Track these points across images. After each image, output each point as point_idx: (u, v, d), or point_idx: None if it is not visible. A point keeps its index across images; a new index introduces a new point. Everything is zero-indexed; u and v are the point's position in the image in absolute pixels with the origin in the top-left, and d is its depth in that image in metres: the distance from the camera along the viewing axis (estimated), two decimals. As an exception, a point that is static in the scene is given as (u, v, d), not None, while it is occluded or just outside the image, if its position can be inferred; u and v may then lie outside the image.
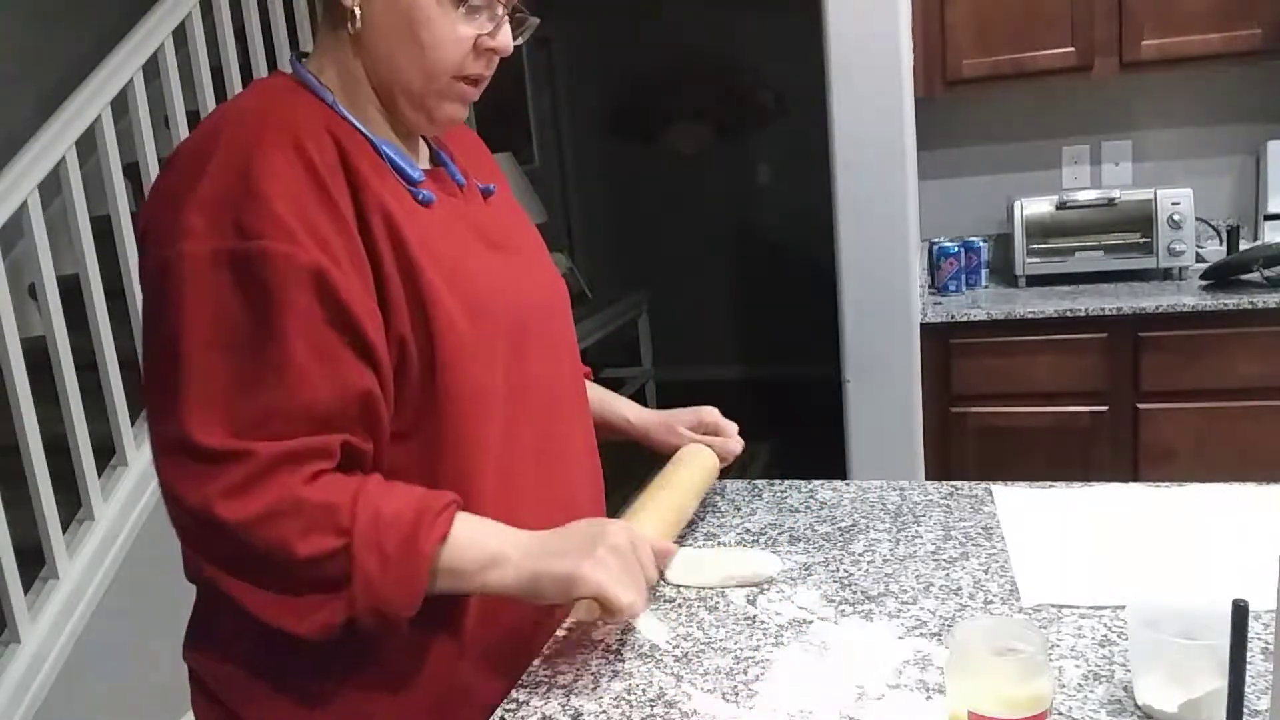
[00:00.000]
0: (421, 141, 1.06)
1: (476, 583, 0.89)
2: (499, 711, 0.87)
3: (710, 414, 1.33)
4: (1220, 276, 2.59)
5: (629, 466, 1.56)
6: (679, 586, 1.08)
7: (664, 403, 6.09)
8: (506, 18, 0.96)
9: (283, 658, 0.91)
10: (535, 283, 1.06)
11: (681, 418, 1.33)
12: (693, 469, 1.24)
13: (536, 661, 0.95)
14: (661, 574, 1.06)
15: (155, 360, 0.87)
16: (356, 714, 0.93)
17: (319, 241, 0.85)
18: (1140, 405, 2.51)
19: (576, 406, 1.12)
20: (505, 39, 0.96)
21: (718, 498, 1.35)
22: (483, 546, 0.88)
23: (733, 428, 1.34)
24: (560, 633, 1.00)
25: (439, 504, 0.87)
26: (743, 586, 1.07)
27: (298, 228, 0.84)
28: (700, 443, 1.30)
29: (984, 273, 2.96)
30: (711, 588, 1.07)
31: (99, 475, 2.42)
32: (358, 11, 0.93)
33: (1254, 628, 0.82)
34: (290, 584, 0.83)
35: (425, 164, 1.05)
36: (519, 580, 0.89)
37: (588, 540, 0.90)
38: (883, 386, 2.58)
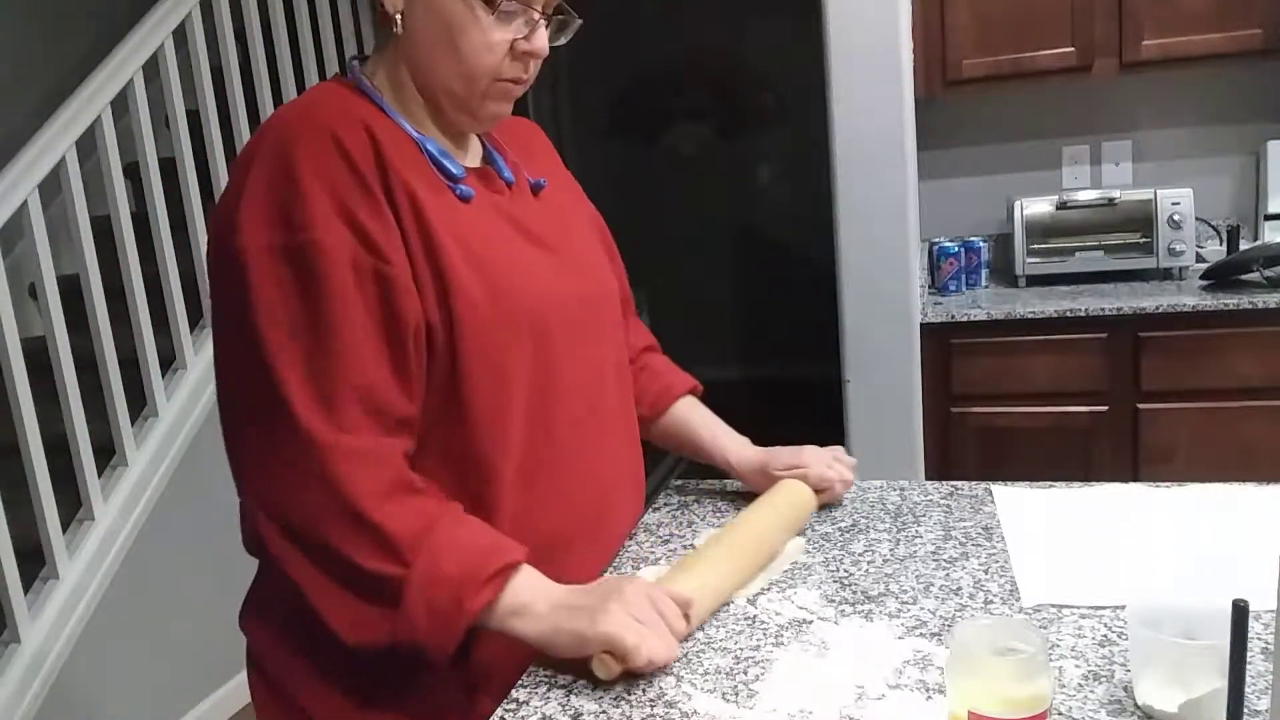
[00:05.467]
0: (474, 140, 1.07)
1: (501, 627, 0.91)
2: (499, 711, 0.87)
3: (811, 454, 1.23)
4: (1220, 276, 2.59)
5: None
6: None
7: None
8: (542, 21, 0.97)
9: (335, 642, 0.92)
10: (577, 279, 1.07)
11: (779, 459, 1.23)
12: (762, 512, 1.14)
13: (537, 661, 0.95)
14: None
15: (240, 357, 0.90)
16: (405, 702, 0.95)
17: (359, 230, 0.89)
18: (1140, 405, 2.51)
19: (619, 403, 1.13)
20: (541, 42, 0.98)
21: (717, 498, 1.35)
22: (514, 596, 0.89)
23: (838, 465, 1.23)
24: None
25: (493, 567, 0.88)
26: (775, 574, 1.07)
27: (340, 218, 0.88)
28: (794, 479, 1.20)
29: (984, 273, 2.96)
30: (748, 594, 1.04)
31: (99, 475, 2.42)
32: (399, 18, 0.96)
33: (1254, 628, 0.82)
34: (349, 587, 0.87)
35: (475, 162, 1.06)
36: (539, 633, 0.90)
37: (601, 597, 0.89)
38: (883, 386, 2.58)
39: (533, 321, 0.98)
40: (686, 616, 0.93)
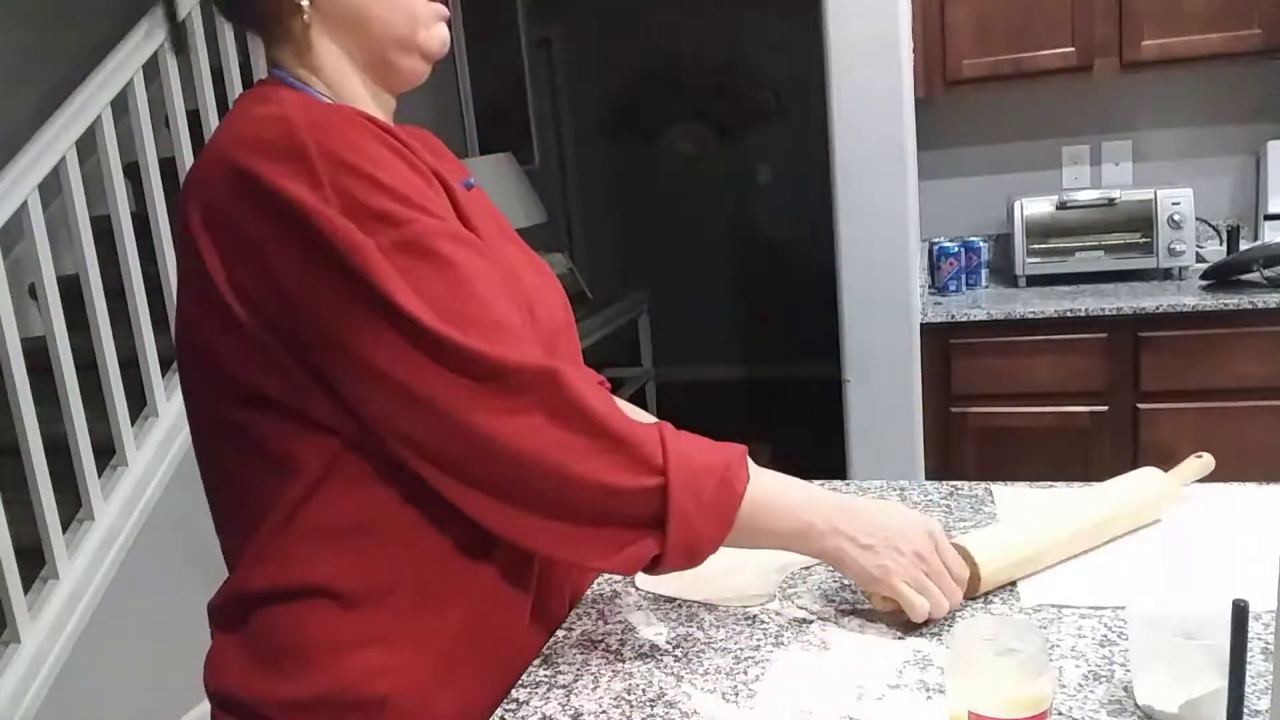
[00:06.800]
0: None
1: (780, 545, 0.92)
2: (499, 711, 0.87)
3: None
4: (1220, 276, 2.59)
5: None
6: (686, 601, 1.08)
7: (664, 403, 6.01)
8: None
9: (304, 684, 0.86)
10: (556, 289, 1.02)
11: None
12: (1103, 498, 1.10)
13: (536, 661, 0.95)
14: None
15: (397, 359, 0.80)
16: None
17: (442, 208, 0.85)
18: (1140, 405, 2.51)
19: None
20: None
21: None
22: (794, 514, 0.91)
23: None
24: (560, 633, 1.00)
25: (736, 453, 0.89)
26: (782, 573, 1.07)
27: (425, 200, 0.83)
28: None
29: (984, 273, 2.96)
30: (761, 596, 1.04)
31: (99, 475, 2.42)
32: (308, 2, 0.88)
33: (1254, 628, 0.82)
34: (599, 516, 0.84)
35: None
36: (822, 554, 0.93)
37: (893, 535, 0.92)
38: (883, 386, 2.58)
39: (550, 332, 0.94)
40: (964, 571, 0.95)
